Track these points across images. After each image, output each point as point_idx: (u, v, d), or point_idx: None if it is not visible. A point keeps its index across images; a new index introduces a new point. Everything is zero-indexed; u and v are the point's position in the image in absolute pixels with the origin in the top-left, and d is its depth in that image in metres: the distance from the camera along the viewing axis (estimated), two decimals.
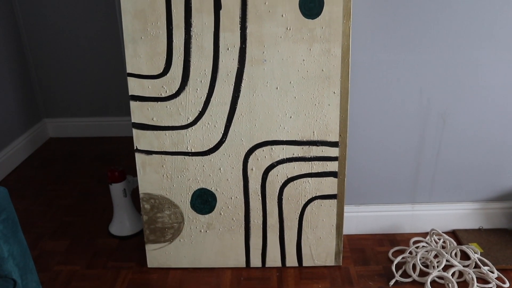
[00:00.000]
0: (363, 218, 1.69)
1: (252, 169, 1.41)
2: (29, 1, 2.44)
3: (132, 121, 1.37)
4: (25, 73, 2.54)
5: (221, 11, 1.27)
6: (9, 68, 2.38)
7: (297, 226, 1.49)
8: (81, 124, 2.72)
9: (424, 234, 1.69)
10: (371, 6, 1.39)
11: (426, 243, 1.61)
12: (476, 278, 1.45)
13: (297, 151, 1.39)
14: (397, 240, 1.67)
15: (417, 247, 1.58)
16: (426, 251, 1.53)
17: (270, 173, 1.42)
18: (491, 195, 1.68)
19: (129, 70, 1.33)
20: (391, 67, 1.47)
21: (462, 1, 1.38)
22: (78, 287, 1.49)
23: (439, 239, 1.62)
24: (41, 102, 2.67)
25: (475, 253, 1.53)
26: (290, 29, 1.28)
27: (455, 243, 1.59)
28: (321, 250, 1.52)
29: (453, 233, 1.70)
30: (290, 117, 1.36)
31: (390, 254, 1.60)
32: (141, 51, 1.31)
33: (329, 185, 1.43)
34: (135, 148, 1.40)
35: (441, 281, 1.45)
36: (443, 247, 1.60)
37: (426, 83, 1.49)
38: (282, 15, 1.27)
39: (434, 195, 1.68)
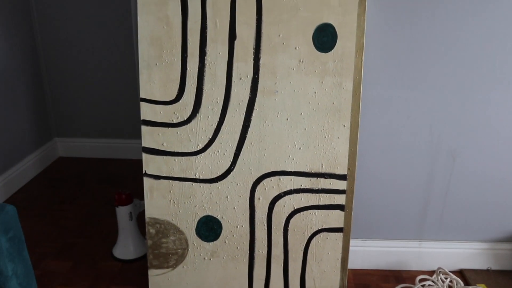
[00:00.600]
0: (369, 253, 1.68)
1: (259, 199, 1.42)
2: (47, 22, 2.51)
3: (143, 145, 1.39)
4: (40, 92, 2.59)
5: (235, 42, 1.30)
6: (24, 86, 2.43)
7: (301, 258, 1.48)
8: (91, 145, 2.75)
9: (431, 273, 1.67)
10: (384, 42, 1.42)
11: (433, 281, 1.59)
12: None
13: (305, 182, 1.40)
14: (403, 277, 1.66)
15: (423, 286, 1.56)
16: None
17: (277, 203, 1.42)
18: (501, 235, 1.67)
19: (142, 95, 1.36)
20: (401, 103, 1.48)
21: (473, 41, 1.41)
22: None
23: (446, 278, 1.60)
24: (53, 121, 2.72)
25: None
26: (302, 61, 1.31)
27: (462, 283, 1.57)
28: (325, 284, 1.51)
29: (461, 273, 1.68)
30: (300, 148, 1.37)
31: None
32: (155, 77, 1.34)
33: (335, 218, 1.43)
34: (143, 172, 1.41)
35: None
36: (449, 287, 1.58)
37: (437, 120, 1.50)
38: (296, 48, 1.30)
39: (442, 232, 1.66)
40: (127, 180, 2.46)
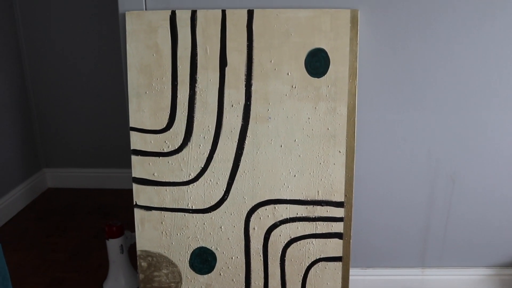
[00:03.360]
0: (370, 282, 1.67)
1: (254, 228, 1.42)
2: (35, 49, 2.53)
3: (133, 175, 1.40)
4: (27, 121, 2.60)
5: (226, 68, 1.32)
6: (10, 116, 2.45)
7: None
8: (80, 175, 2.75)
9: None
10: (377, 65, 1.44)
11: None
12: None
13: (301, 210, 1.40)
14: None
15: None
16: None
17: (272, 233, 1.42)
18: (506, 260, 1.66)
19: (132, 124, 1.37)
20: (398, 127, 1.50)
21: (468, 61, 1.43)
22: None
23: None
24: (42, 151, 2.72)
25: None
26: (295, 87, 1.33)
27: None
28: None
29: None
30: (294, 175, 1.38)
31: None
32: (145, 105, 1.35)
33: (334, 247, 1.43)
34: (134, 203, 1.42)
35: None
36: None
37: (434, 143, 1.51)
38: (288, 73, 1.32)
39: (444, 259, 1.66)
40: (118, 211, 2.45)
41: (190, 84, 1.34)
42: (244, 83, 1.33)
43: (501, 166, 1.54)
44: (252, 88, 1.33)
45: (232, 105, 1.34)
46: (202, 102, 1.34)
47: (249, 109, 1.34)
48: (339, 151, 1.36)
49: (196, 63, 1.33)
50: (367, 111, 1.47)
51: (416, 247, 1.64)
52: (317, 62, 1.31)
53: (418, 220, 1.61)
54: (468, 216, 1.60)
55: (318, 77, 1.32)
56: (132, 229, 1.62)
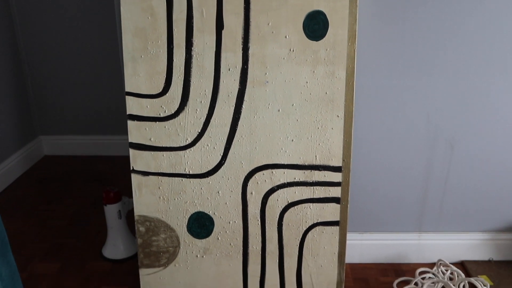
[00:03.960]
0: (366, 247, 1.70)
1: (251, 193, 1.43)
2: (28, 17, 2.50)
3: (129, 141, 1.40)
4: (22, 89, 2.58)
5: (223, 31, 1.31)
6: (5, 84, 2.43)
7: (297, 253, 1.49)
8: (77, 142, 2.75)
9: (431, 265, 1.69)
10: (377, 29, 1.42)
11: (433, 274, 1.61)
12: None
13: (298, 175, 1.41)
14: (402, 270, 1.68)
15: (423, 278, 1.58)
16: (433, 283, 1.53)
17: (270, 197, 1.43)
18: (503, 225, 1.69)
19: (127, 89, 1.36)
20: (397, 92, 1.49)
21: (471, 26, 1.42)
22: None
23: (446, 270, 1.62)
24: (37, 119, 2.71)
25: (484, 286, 1.53)
26: (293, 50, 1.31)
27: (463, 275, 1.59)
28: (322, 279, 1.53)
29: (462, 265, 1.70)
30: (292, 140, 1.38)
31: (394, 285, 1.60)
32: (141, 70, 1.34)
33: (331, 211, 1.45)
34: (131, 168, 1.42)
35: None
36: (450, 279, 1.60)
37: (434, 108, 1.51)
38: (286, 37, 1.30)
39: (442, 224, 1.68)
40: (115, 178, 2.47)
41: (186, 48, 1.32)
42: (241, 46, 1.31)
43: (500, 132, 1.55)
44: (249, 52, 1.32)
45: (229, 69, 1.33)
46: (199, 66, 1.33)
47: (246, 73, 1.33)
48: (337, 116, 1.36)
49: (192, 26, 1.31)
50: (366, 76, 1.47)
51: (414, 212, 1.66)
52: (315, 25, 1.30)
53: (416, 185, 1.62)
54: (465, 182, 1.62)
55: (316, 40, 1.31)
56: (130, 195, 1.64)
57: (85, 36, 2.52)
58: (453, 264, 1.70)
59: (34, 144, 2.68)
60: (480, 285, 1.52)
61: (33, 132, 2.70)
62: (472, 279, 1.54)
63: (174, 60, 1.33)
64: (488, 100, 1.50)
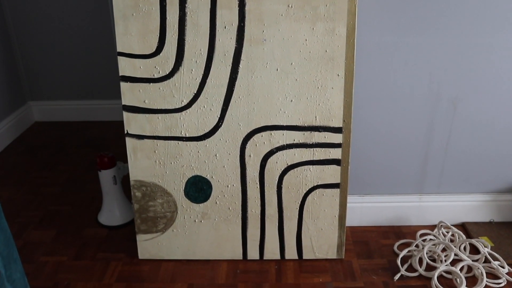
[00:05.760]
0: (367, 209, 1.70)
1: (250, 156, 1.42)
2: None
3: (123, 103, 1.38)
4: (9, 53, 2.53)
5: None
6: None
7: (297, 216, 1.50)
8: (68, 108, 2.72)
9: (432, 227, 1.70)
10: None
11: (434, 236, 1.62)
12: (486, 273, 1.46)
13: (298, 137, 1.40)
14: (403, 233, 1.69)
15: (424, 240, 1.60)
16: (434, 245, 1.55)
17: (269, 160, 1.43)
18: (503, 187, 1.69)
19: (119, 49, 1.33)
20: (399, 49, 1.47)
21: None
22: (65, 279, 1.51)
23: (447, 232, 1.64)
24: (26, 84, 2.67)
25: (485, 247, 1.54)
26: (292, 6, 1.28)
27: (464, 237, 1.60)
28: (322, 242, 1.54)
29: (462, 226, 1.72)
30: (291, 100, 1.36)
31: (395, 247, 1.61)
32: (133, 28, 1.31)
33: (331, 174, 1.44)
34: (125, 132, 1.41)
35: (449, 276, 1.47)
36: (451, 241, 1.62)
37: (436, 67, 1.49)
38: None
39: (443, 185, 1.69)
40: (109, 143, 2.45)
41: (179, 5, 1.29)
42: (237, 2, 1.28)
43: (504, 92, 1.53)
44: (246, 8, 1.28)
45: (225, 27, 1.30)
46: (193, 24, 1.30)
47: (243, 31, 1.30)
48: (338, 75, 1.34)
49: None
50: (368, 33, 1.44)
51: (414, 174, 1.66)
52: None
53: (417, 147, 1.61)
54: (467, 143, 1.61)
55: None
56: (125, 160, 1.63)
57: None
58: (454, 225, 1.71)
59: (24, 110, 2.65)
60: (481, 246, 1.53)
61: (23, 97, 2.66)
62: (473, 241, 1.56)
63: (168, 17, 1.30)
64: (492, 59, 1.48)
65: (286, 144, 1.41)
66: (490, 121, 1.57)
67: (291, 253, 1.55)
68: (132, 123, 1.39)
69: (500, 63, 1.49)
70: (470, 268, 1.49)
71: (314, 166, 1.43)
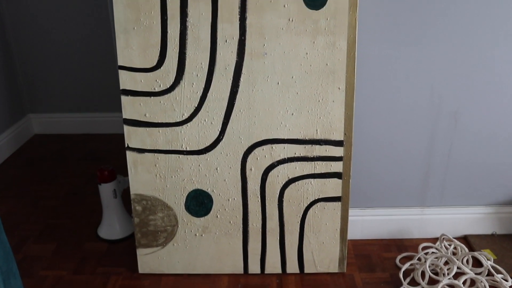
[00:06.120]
0: (369, 222, 1.70)
1: (251, 169, 1.42)
2: None
3: (124, 117, 1.38)
4: (9, 65, 2.54)
5: (219, 1, 1.28)
6: None
7: (298, 230, 1.50)
8: (68, 120, 2.73)
9: (434, 240, 1.70)
10: None
11: (436, 249, 1.62)
12: (489, 286, 1.46)
13: (299, 150, 1.40)
14: (405, 246, 1.68)
15: (426, 253, 1.59)
16: (436, 258, 1.54)
17: (270, 173, 1.43)
18: (506, 199, 1.69)
19: (120, 63, 1.34)
20: (400, 63, 1.47)
21: None
22: None
23: (449, 245, 1.63)
24: (26, 96, 2.68)
25: (488, 260, 1.54)
26: (292, 20, 1.29)
27: (466, 249, 1.60)
28: (324, 256, 1.53)
29: (465, 239, 1.71)
30: (292, 114, 1.37)
31: (397, 261, 1.61)
32: (134, 42, 1.32)
33: (333, 187, 1.44)
34: (126, 146, 1.41)
35: None
36: (454, 254, 1.61)
37: (438, 80, 1.50)
38: (284, 6, 1.28)
39: (444, 198, 1.69)
40: (109, 156, 2.45)
41: (180, 19, 1.29)
42: (238, 16, 1.29)
43: (505, 105, 1.54)
44: (246, 22, 1.29)
45: (226, 41, 1.31)
46: (194, 38, 1.31)
47: (244, 45, 1.31)
48: (339, 88, 1.34)
49: None
50: (368, 46, 1.45)
51: (416, 187, 1.66)
52: None
53: (419, 160, 1.62)
54: (469, 155, 1.61)
55: (316, 9, 1.28)
56: (125, 174, 1.62)
57: (75, 8, 2.47)
58: (456, 238, 1.71)
59: (24, 123, 2.65)
60: (484, 259, 1.53)
61: (22, 110, 2.67)
62: (476, 253, 1.55)
63: (169, 31, 1.31)
64: (493, 72, 1.49)
65: (287, 158, 1.41)
66: (492, 133, 1.58)
67: (292, 267, 1.55)
68: (133, 136, 1.40)
69: (502, 76, 1.49)
70: (473, 282, 1.49)
71: (315, 179, 1.43)
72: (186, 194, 1.46)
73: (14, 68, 2.59)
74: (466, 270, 1.48)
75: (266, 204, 1.46)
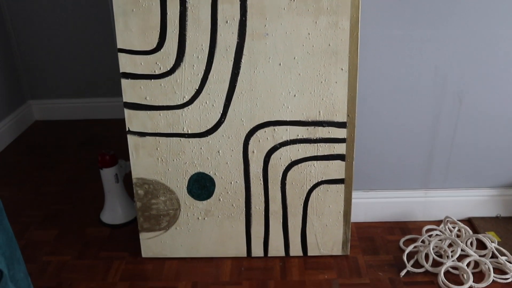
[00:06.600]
0: (372, 205, 1.70)
1: (253, 152, 1.42)
2: None
3: (124, 100, 1.37)
4: (8, 51, 2.53)
5: None
6: None
7: (301, 213, 1.49)
8: (68, 106, 2.72)
9: (438, 222, 1.70)
10: None
11: (440, 231, 1.62)
12: (493, 268, 1.46)
13: (301, 132, 1.39)
14: (408, 228, 1.69)
15: (430, 236, 1.59)
16: (440, 240, 1.54)
17: (272, 156, 1.42)
18: (510, 181, 1.69)
19: (119, 45, 1.33)
20: (403, 42, 1.46)
21: None
22: (69, 279, 1.51)
23: (453, 227, 1.63)
24: (26, 83, 2.67)
25: (492, 242, 1.54)
26: (294, 0, 1.28)
27: (470, 232, 1.60)
28: (327, 239, 1.53)
29: (469, 221, 1.71)
30: (294, 95, 1.36)
31: (401, 243, 1.61)
32: (133, 24, 1.31)
33: (336, 169, 1.44)
34: (127, 129, 1.40)
35: (456, 272, 1.47)
36: (458, 236, 1.62)
37: (442, 60, 1.49)
38: None
39: (449, 180, 1.68)
40: (110, 141, 2.45)
41: None
42: None
43: (510, 85, 1.52)
44: (247, 2, 1.28)
45: (227, 21, 1.29)
46: (194, 19, 1.30)
47: (245, 25, 1.30)
48: (341, 69, 1.33)
49: None
50: (371, 26, 1.43)
51: (420, 169, 1.66)
52: None
53: (423, 141, 1.61)
54: (474, 137, 1.61)
55: None
56: (126, 158, 1.62)
57: None
58: (460, 221, 1.70)
59: (24, 110, 2.65)
60: (488, 241, 1.53)
61: (22, 96, 2.66)
62: (480, 236, 1.55)
63: (168, 13, 1.29)
64: (498, 52, 1.48)
65: (290, 140, 1.40)
66: (496, 115, 1.57)
67: (295, 249, 1.55)
68: (134, 120, 1.39)
69: (507, 56, 1.48)
70: (477, 264, 1.49)
71: (318, 161, 1.43)
72: (188, 178, 1.45)
73: (14, 55, 2.58)
74: (470, 252, 1.48)
75: (269, 186, 1.46)
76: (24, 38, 2.56)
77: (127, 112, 1.39)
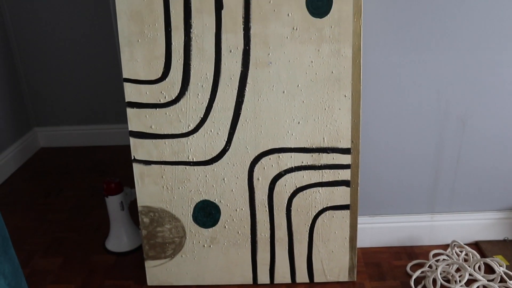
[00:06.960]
0: (378, 230, 1.70)
1: (258, 179, 1.43)
2: (18, 4, 2.47)
3: (129, 129, 1.39)
4: (14, 79, 2.57)
5: (222, 11, 1.29)
6: None
7: (307, 239, 1.49)
8: (74, 133, 2.75)
9: (445, 247, 1.69)
10: (383, 3, 1.40)
11: (447, 256, 1.61)
12: None
13: (306, 159, 1.40)
14: (415, 253, 1.68)
15: (437, 261, 1.58)
16: (447, 265, 1.54)
17: (277, 183, 1.43)
18: None
19: (125, 75, 1.35)
20: (405, 68, 1.48)
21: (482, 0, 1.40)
22: None
23: (461, 252, 1.62)
24: (31, 110, 2.70)
25: (500, 266, 1.53)
26: (296, 29, 1.30)
27: (478, 256, 1.59)
28: (333, 265, 1.53)
29: (476, 245, 1.70)
30: (298, 122, 1.37)
31: (408, 268, 1.60)
32: (138, 54, 1.33)
33: (341, 195, 1.44)
34: (132, 158, 1.42)
35: None
36: (465, 260, 1.61)
37: (444, 84, 1.50)
38: (288, 14, 1.29)
39: (454, 204, 1.68)
40: (115, 168, 2.46)
41: (184, 30, 1.31)
42: (242, 26, 1.30)
43: None
44: (250, 32, 1.30)
45: (231, 51, 1.32)
46: (199, 49, 1.32)
47: (249, 54, 1.32)
48: (345, 95, 1.35)
49: (190, 7, 1.29)
50: (373, 53, 1.45)
51: (425, 193, 1.66)
52: (319, 1, 1.28)
53: (427, 165, 1.61)
54: (478, 160, 1.61)
55: (320, 17, 1.29)
56: (132, 186, 1.63)
57: (79, 21, 2.50)
58: (467, 244, 1.70)
59: (30, 137, 2.67)
60: (496, 265, 1.52)
61: (28, 124, 2.69)
62: (488, 260, 1.54)
63: (173, 43, 1.32)
64: (500, 75, 1.49)
65: (295, 167, 1.41)
66: (500, 137, 1.57)
67: (302, 276, 1.54)
68: (139, 148, 1.41)
69: (508, 78, 1.49)
70: None
71: (323, 188, 1.43)
72: (194, 205, 1.46)
73: (20, 82, 2.61)
74: (478, 277, 1.47)
75: (274, 213, 1.46)
76: (31, 67, 2.60)
77: (133, 141, 1.40)
